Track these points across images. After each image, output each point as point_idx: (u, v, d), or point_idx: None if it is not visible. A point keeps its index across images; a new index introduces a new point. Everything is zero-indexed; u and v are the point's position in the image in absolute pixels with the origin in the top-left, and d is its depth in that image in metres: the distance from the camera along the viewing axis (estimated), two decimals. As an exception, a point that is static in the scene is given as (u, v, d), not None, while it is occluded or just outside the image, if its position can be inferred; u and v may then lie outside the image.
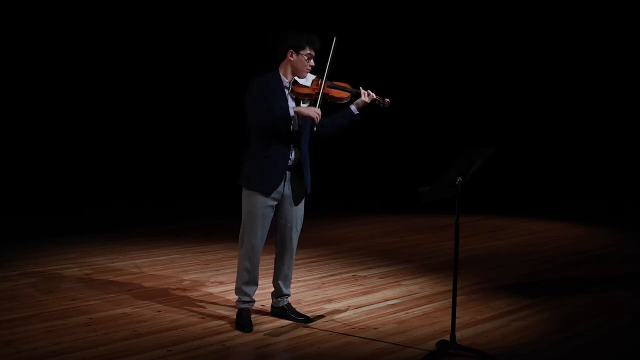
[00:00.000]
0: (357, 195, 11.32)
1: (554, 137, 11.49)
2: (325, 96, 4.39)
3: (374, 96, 4.46)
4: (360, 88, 4.46)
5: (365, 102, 4.45)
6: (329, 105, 4.46)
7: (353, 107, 4.48)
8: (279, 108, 4.31)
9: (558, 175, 11.49)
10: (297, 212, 4.53)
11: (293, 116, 4.33)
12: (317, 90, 4.36)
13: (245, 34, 10.43)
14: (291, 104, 4.39)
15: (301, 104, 4.40)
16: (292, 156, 4.40)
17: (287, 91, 4.39)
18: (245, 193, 4.43)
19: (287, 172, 4.41)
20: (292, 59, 4.35)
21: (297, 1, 10.52)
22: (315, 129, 4.36)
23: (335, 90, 4.44)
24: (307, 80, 4.43)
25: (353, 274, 6.09)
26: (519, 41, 11.39)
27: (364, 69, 10.88)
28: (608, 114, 11.21)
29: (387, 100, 4.47)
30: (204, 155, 10.51)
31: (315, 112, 4.28)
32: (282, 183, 4.40)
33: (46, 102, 9.67)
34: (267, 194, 4.36)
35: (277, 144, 4.34)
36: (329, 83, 4.40)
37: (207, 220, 8.74)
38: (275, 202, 4.44)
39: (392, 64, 11.56)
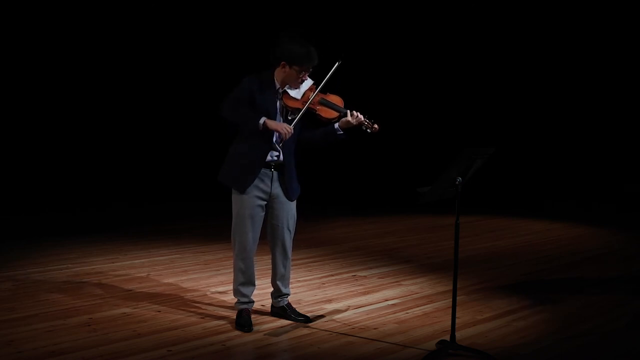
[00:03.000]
0: (358, 196, 11.33)
1: (554, 137, 11.49)
2: (313, 110, 4.32)
3: (362, 119, 4.32)
4: (348, 111, 4.33)
5: (350, 122, 4.32)
6: (315, 119, 4.40)
7: (337, 127, 4.37)
8: (253, 113, 4.20)
9: (558, 175, 11.49)
10: (288, 212, 4.51)
11: (261, 124, 4.18)
12: (305, 105, 4.29)
13: (245, 34, 10.42)
14: (279, 105, 4.36)
15: (288, 117, 4.36)
16: (273, 157, 4.37)
17: (277, 97, 4.35)
18: (234, 194, 4.43)
19: (274, 171, 4.40)
20: (284, 70, 4.29)
21: (296, 3, 10.51)
22: (280, 145, 4.26)
23: (325, 109, 4.34)
24: (300, 91, 4.36)
25: (353, 274, 6.09)
26: (519, 42, 11.38)
27: (364, 69, 10.87)
28: (607, 113, 11.21)
29: (376, 126, 4.34)
30: (204, 156, 10.50)
31: (285, 128, 4.18)
32: (270, 183, 4.40)
33: (46, 102, 9.68)
34: (242, 192, 4.34)
35: (256, 145, 4.32)
36: (320, 98, 4.34)
37: (207, 220, 8.73)
38: (264, 202, 4.44)
39: (392, 64, 11.56)
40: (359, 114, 4.34)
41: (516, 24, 11.33)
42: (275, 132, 4.30)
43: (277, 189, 4.44)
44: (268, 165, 4.39)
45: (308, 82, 4.39)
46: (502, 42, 11.47)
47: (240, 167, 4.36)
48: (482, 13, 11.44)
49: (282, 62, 4.28)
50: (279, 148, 4.35)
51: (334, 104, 4.38)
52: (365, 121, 4.35)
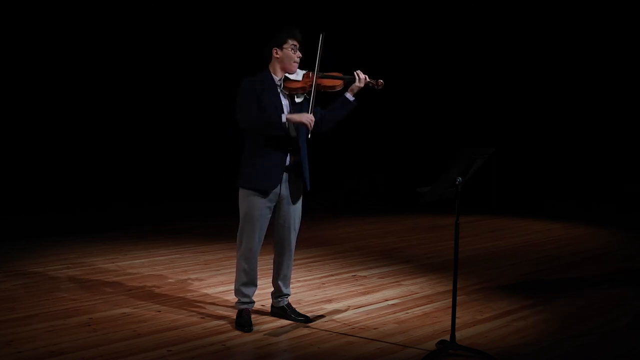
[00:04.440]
0: (359, 195, 11.33)
1: (553, 137, 11.49)
2: (318, 87, 4.37)
3: (367, 79, 4.42)
4: (354, 72, 4.42)
5: (359, 86, 4.42)
6: (324, 95, 4.45)
7: (348, 94, 4.44)
8: (271, 114, 4.26)
9: (558, 175, 11.49)
10: (295, 212, 4.52)
11: (284, 122, 4.26)
12: (309, 83, 4.35)
13: (245, 34, 10.42)
14: (284, 101, 4.38)
15: (295, 99, 4.39)
16: (289, 157, 4.38)
17: (279, 90, 4.38)
18: (242, 194, 4.42)
19: (285, 173, 4.40)
20: (277, 55, 4.37)
21: (296, 3, 10.51)
22: (309, 136, 4.33)
23: (328, 80, 4.40)
24: (298, 75, 4.42)
25: (353, 274, 6.09)
26: (519, 41, 11.39)
27: (364, 68, 10.87)
28: (607, 113, 11.21)
29: (381, 81, 4.42)
30: (204, 156, 10.51)
31: (308, 118, 4.26)
32: (279, 184, 4.40)
33: (46, 102, 9.67)
34: (266, 193, 4.35)
35: (273, 145, 4.32)
36: (320, 74, 4.39)
37: (207, 220, 8.74)
38: (273, 204, 4.43)
39: (392, 64, 11.55)
40: (361, 73, 4.43)
41: (516, 24, 11.33)
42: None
43: (286, 190, 4.43)
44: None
45: (301, 72, 4.44)
46: (502, 42, 11.48)
47: (263, 171, 4.33)
48: (481, 13, 11.44)
49: (274, 49, 4.36)
50: (298, 140, 4.38)
51: (336, 75, 4.44)
52: (371, 80, 4.42)
